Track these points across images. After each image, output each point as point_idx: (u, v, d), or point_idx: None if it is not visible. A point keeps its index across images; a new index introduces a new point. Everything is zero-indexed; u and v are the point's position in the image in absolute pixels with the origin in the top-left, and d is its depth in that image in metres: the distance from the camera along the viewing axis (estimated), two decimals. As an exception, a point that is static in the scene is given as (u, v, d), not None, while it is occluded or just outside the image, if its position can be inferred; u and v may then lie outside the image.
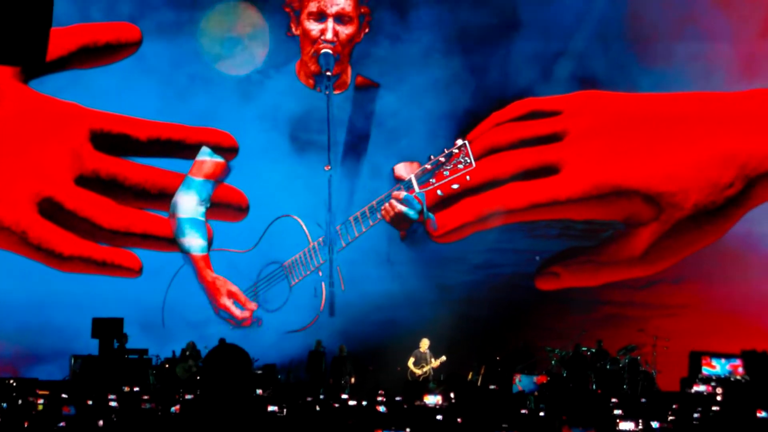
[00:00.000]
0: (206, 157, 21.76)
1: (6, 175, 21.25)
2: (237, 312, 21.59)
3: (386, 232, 20.93)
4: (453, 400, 14.90)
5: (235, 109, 21.99)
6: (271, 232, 21.30)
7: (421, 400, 15.38)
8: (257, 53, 22.18)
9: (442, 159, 17.91)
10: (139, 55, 21.91)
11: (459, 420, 10.69)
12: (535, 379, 18.74)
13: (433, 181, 18.05)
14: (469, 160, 17.68)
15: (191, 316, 21.41)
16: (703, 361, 19.90)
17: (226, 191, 22.05)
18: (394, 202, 19.23)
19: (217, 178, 21.81)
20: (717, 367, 19.90)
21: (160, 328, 21.42)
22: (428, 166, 18.14)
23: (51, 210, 21.41)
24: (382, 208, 19.48)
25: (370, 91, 22.34)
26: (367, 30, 22.03)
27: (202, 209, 21.65)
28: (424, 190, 18.42)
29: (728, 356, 19.85)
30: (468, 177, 17.96)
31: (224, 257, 21.84)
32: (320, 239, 20.67)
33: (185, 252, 21.65)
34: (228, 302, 21.61)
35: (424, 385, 19.01)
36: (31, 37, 8.02)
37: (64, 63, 21.77)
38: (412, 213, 19.26)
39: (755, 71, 21.68)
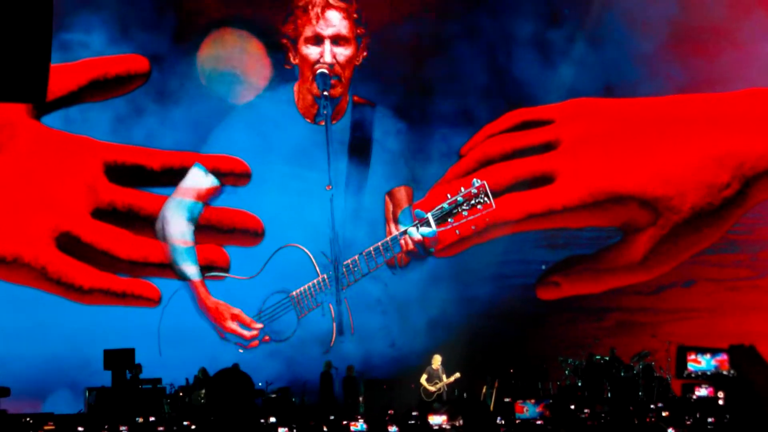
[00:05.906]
0: (199, 178, 21.85)
1: (23, 211, 21.42)
2: (245, 333, 21.53)
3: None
4: (460, 422, 14.86)
5: (233, 135, 22.13)
6: (276, 260, 21.18)
7: (426, 419, 15.36)
8: (257, 81, 22.35)
9: (460, 198, 17.64)
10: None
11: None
12: (540, 407, 18.56)
13: (451, 220, 17.76)
14: (488, 200, 17.31)
15: (193, 341, 21.39)
16: (689, 357, 19.48)
17: (242, 217, 22.11)
18: (413, 232, 18.92)
19: (208, 200, 21.88)
20: (702, 362, 19.49)
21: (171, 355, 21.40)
22: (446, 205, 17.91)
23: (69, 244, 21.60)
24: (400, 240, 19.26)
25: (366, 111, 22.38)
26: (365, 54, 22.04)
27: (191, 231, 21.70)
28: (442, 228, 18.07)
29: (714, 351, 19.46)
30: (487, 219, 17.71)
31: (221, 284, 21.79)
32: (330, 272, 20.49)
33: (183, 279, 21.68)
34: (233, 325, 21.42)
35: (431, 405, 18.96)
36: (31, 75, 8.09)
37: (76, 98, 22.05)
38: (430, 232, 18.80)
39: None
